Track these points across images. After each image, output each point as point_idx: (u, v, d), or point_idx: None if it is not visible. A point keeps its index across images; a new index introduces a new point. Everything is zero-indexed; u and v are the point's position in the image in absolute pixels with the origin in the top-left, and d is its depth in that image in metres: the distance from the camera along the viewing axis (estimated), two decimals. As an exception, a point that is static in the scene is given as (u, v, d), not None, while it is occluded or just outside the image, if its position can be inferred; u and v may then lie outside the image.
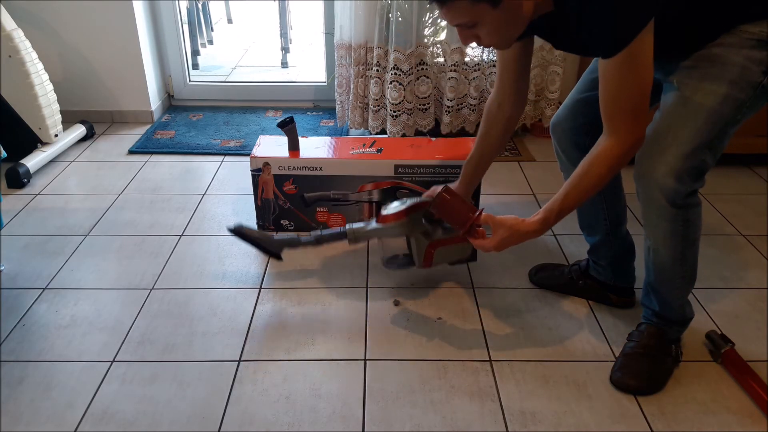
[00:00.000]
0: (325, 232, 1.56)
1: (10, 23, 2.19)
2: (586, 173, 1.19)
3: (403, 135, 2.55)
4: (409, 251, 1.56)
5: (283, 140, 1.88)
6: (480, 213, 1.32)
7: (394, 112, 2.50)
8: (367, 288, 1.69)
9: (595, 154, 1.17)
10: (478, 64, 2.50)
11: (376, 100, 2.52)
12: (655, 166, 1.20)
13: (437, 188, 1.40)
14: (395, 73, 2.43)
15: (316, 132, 2.72)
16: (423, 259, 1.51)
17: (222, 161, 2.45)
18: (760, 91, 1.12)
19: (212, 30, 4.28)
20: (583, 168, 1.19)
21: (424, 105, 2.55)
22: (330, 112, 2.91)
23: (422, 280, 1.72)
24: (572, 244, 1.88)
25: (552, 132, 1.51)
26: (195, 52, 3.70)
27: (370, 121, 2.58)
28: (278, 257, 1.67)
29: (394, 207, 1.49)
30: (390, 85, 2.44)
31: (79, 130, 2.56)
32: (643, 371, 1.36)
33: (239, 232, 1.61)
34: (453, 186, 1.47)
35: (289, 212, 1.92)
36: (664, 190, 1.20)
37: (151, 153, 2.51)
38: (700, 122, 1.15)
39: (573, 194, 1.22)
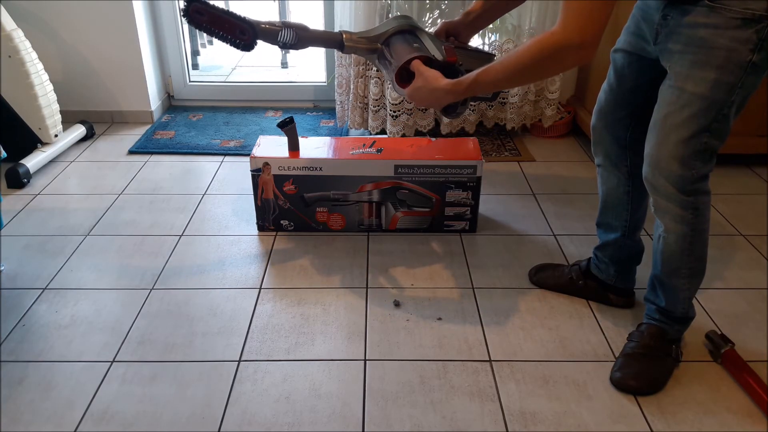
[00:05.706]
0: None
1: (10, 23, 2.18)
2: (517, 51, 1.18)
3: (403, 135, 2.55)
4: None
5: (283, 140, 1.88)
6: (412, 59, 1.37)
7: (394, 112, 2.49)
8: (367, 288, 1.69)
9: (536, 37, 1.15)
10: (478, 64, 2.50)
11: (376, 100, 2.52)
12: (658, 154, 1.22)
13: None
14: (395, 73, 2.42)
15: (316, 132, 2.72)
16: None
17: (222, 161, 2.45)
18: (751, 69, 1.11)
19: (212, 30, 4.28)
20: (518, 48, 1.18)
21: (424, 105, 2.55)
22: (330, 112, 2.91)
23: (422, 280, 1.72)
24: (572, 244, 1.88)
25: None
26: (195, 52, 3.70)
27: (370, 121, 2.58)
28: (251, 40, 1.37)
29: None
30: (390, 86, 2.44)
31: (79, 130, 2.56)
32: (643, 371, 1.36)
33: (197, 4, 1.33)
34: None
35: (289, 212, 1.92)
36: (670, 177, 1.22)
37: (151, 153, 2.51)
38: (695, 109, 1.16)
39: (495, 68, 1.22)
